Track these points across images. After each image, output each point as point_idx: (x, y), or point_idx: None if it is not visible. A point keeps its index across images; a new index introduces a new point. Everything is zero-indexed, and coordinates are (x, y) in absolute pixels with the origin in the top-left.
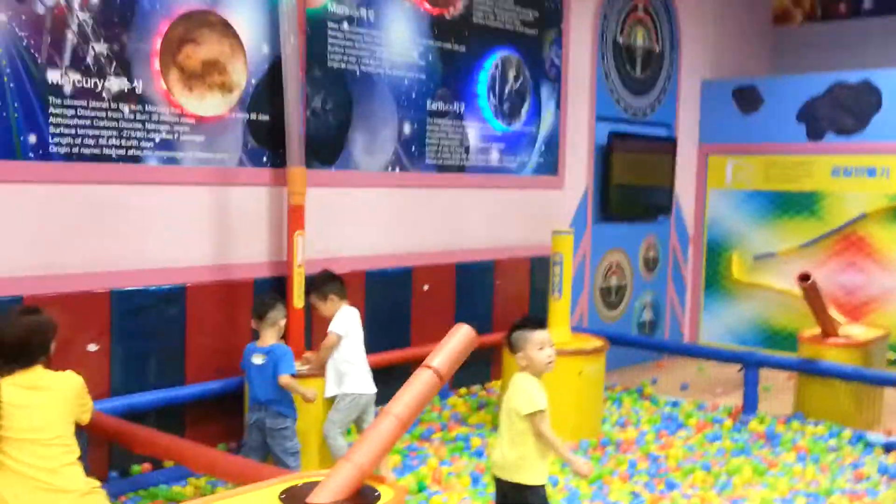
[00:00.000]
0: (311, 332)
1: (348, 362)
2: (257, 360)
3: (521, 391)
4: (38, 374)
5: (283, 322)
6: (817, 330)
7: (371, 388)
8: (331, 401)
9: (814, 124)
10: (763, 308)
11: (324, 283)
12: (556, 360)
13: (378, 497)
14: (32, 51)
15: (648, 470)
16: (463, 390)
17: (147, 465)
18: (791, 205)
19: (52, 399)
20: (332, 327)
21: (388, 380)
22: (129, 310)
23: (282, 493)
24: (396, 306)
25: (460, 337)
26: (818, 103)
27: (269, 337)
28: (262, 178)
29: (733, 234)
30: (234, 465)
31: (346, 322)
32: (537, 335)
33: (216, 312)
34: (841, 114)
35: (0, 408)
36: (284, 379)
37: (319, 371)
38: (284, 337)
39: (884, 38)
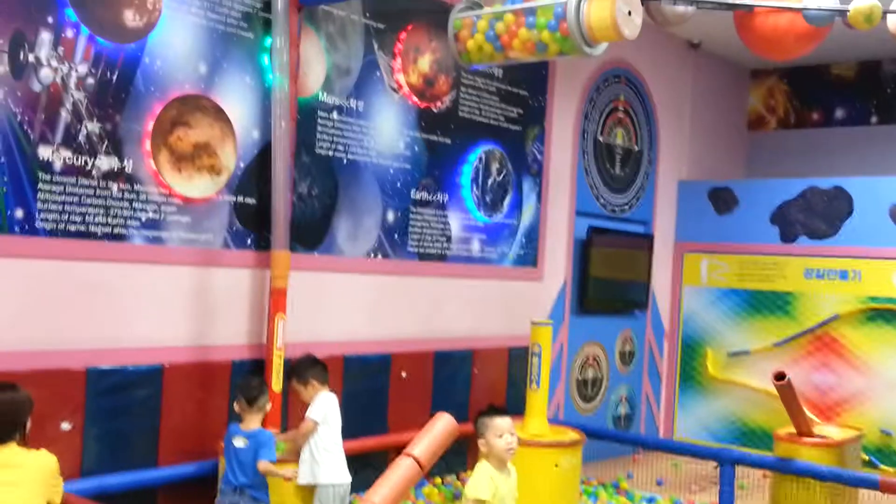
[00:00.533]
0: (288, 417)
1: (326, 450)
2: (239, 443)
3: (474, 477)
4: (12, 452)
5: (268, 408)
6: (792, 429)
7: (347, 478)
8: (302, 488)
9: (787, 227)
10: (737, 405)
11: (305, 368)
12: (534, 451)
13: None
14: (26, 127)
15: None
16: (438, 479)
17: None
18: (765, 304)
19: (25, 478)
20: (310, 413)
21: (365, 466)
22: (104, 388)
23: None
24: (374, 392)
25: (441, 426)
26: (791, 207)
27: (254, 421)
28: (246, 261)
29: (708, 331)
30: None
31: (324, 408)
32: (497, 422)
33: (193, 393)
34: (813, 218)
35: None
36: (264, 465)
37: (293, 457)
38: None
39: (854, 147)
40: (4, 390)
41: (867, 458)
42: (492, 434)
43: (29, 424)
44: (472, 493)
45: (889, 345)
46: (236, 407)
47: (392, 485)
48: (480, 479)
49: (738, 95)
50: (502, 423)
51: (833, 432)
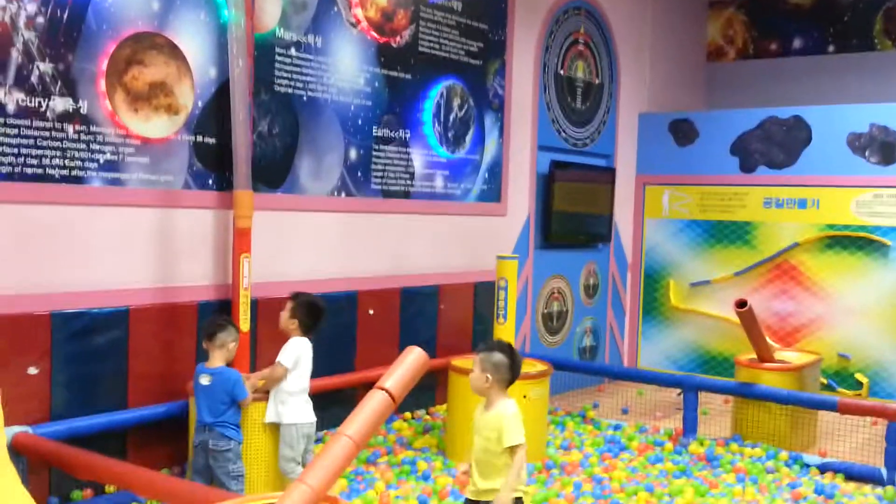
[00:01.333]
0: (256, 356)
1: (289, 393)
2: (204, 380)
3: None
4: None
5: (232, 345)
6: (753, 355)
7: (311, 417)
8: (270, 426)
9: (746, 157)
10: (700, 334)
11: (307, 308)
12: None
13: None
14: None
15: (593, 492)
16: (408, 414)
17: (89, 491)
18: (725, 234)
19: None
20: (281, 359)
21: (333, 403)
22: (70, 332)
23: None
24: (342, 330)
25: (412, 359)
26: (750, 137)
27: (217, 359)
28: (208, 201)
29: (670, 262)
30: (180, 488)
31: (296, 354)
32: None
33: (159, 335)
34: (772, 148)
35: None
36: (246, 403)
37: (262, 396)
38: (232, 363)
39: (813, 76)
40: None
41: (826, 381)
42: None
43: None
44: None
45: (847, 271)
46: (204, 344)
47: (365, 418)
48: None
49: (696, 27)
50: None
51: (793, 357)
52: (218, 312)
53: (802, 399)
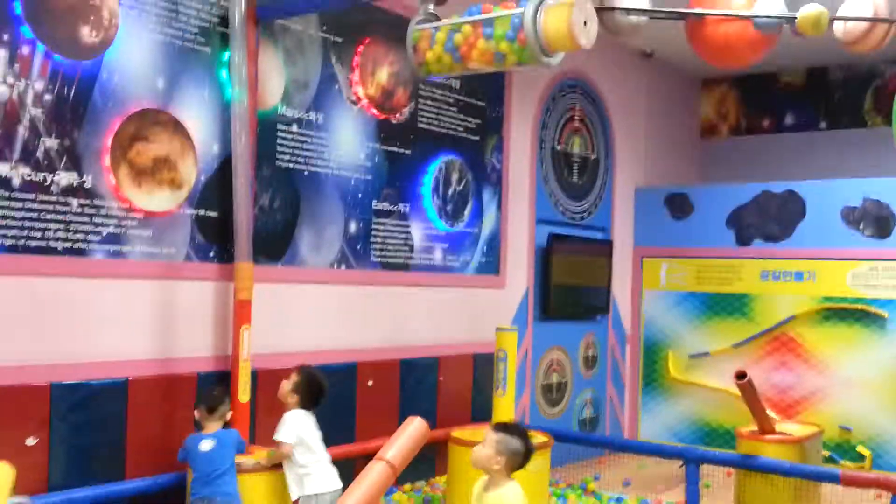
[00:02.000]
0: (255, 427)
1: (303, 466)
2: (206, 445)
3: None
4: None
5: (229, 416)
6: (754, 427)
7: (334, 484)
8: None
9: (742, 230)
10: (699, 406)
11: (311, 386)
12: None
13: None
14: None
15: None
16: (407, 486)
17: None
18: (723, 306)
19: None
20: (281, 436)
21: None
22: (69, 403)
23: None
24: (341, 401)
25: (413, 429)
26: (745, 211)
27: (215, 426)
28: (209, 273)
29: (669, 334)
30: None
31: (295, 428)
32: None
33: (158, 406)
34: (767, 221)
35: None
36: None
37: (265, 470)
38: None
39: (805, 151)
40: None
41: (828, 454)
42: None
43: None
44: None
45: (845, 343)
46: (197, 415)
47: (366, 488)
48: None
49: (690, 104)
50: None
51: (794, 429)
52: (214, 384)
53: (805, 471)
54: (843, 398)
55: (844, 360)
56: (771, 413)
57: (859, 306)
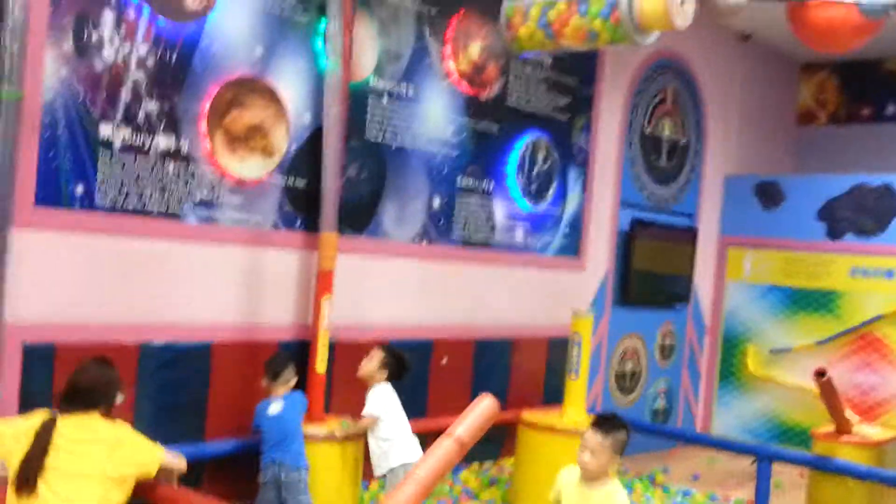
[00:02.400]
0: (331, 397)
1: (388, 440)
2: (274, 409)
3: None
4: (93, 420)
5: (293, 382)
6: (831, 427)
7: (419, 455)
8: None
9: (834, 224)
10: (777, 403)
11: (399, 362)
12: (571, 439)
13: None
14: (88, 105)
15: None
16: (475, 465)
17: None
18: (808, 302)
19: (104, 446)
20: (368, 410)
21: None
22: (156, 364)
23: None
24: (415, 377)
25: (483, 408)
26: (839, 203)
27: (282, 390)
28: (295, 242)
29: (750, 327)
30: None
31: (381, 402)
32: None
33: (240, 371)
34: (861, 215)
35: (52, 440)
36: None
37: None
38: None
39: None
40: (103, 364)
41: None
42: None
43: (119, 400)
44: None
45: None
46: (263, 383)
47: (435, 462)
48: None
49: (788, 89)
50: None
51: (873, 432)
52: (295, 352)
53: (882, 476)
54: None
55: None
56: (850, 414)
57: None
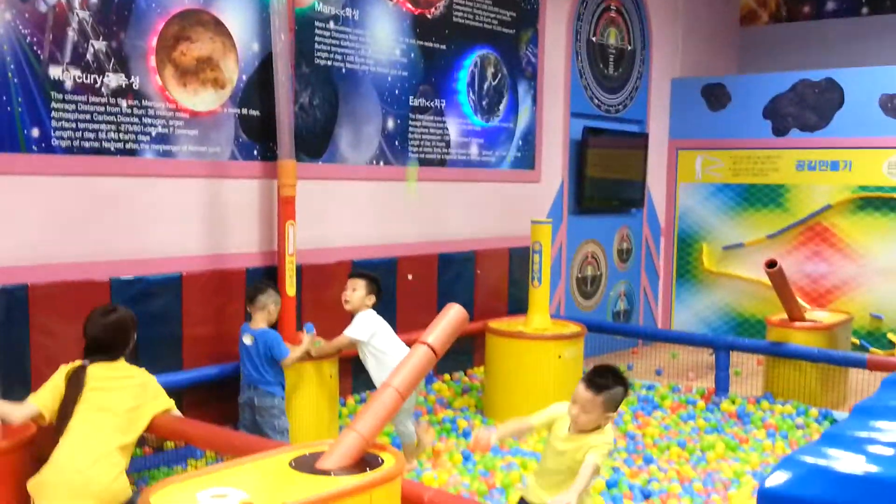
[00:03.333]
0: (302, 319)
1: (385, 353)
2: (247, 339)
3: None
4: (122, 366)
5: (272, 307)
6: (784, 315)
7: None
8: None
9: (779, 121)
10: (732, 297)
11: (378, 284)
12: (538, 344)
13: (381, 463)
14: (35, 47)
15: (627, 447)
16: (447, 376)
17: (147, 450)
18: (758, 197)
19: (130, 387)
20: (351, 332)
21: None
22: (128, 298)
23: (291, 461)
24: (382, 294)
25: (452, 316)
26: (783, 100)
27: (260, 321)
28: (253, 171)
29: (703, 226)
30: (238, 440)
31: (368, 326)
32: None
33: (210, 300)
34: (805, 111)
35: (86, 382)
36: (287, 362)
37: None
38: (276, 325)
39: (845, 38)
40: (108, 313)
41: (858, 342)
42: None
43: (133, 339)
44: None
45: (879, 232)
46: (247, 307)
47: (409, 370)
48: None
49: None
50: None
51: (823, 317)
52: (263, 278)
53: (832, 357)
54: (875, 287)
55: (878, 250)
56: (802, 302)
57: (894, 195)
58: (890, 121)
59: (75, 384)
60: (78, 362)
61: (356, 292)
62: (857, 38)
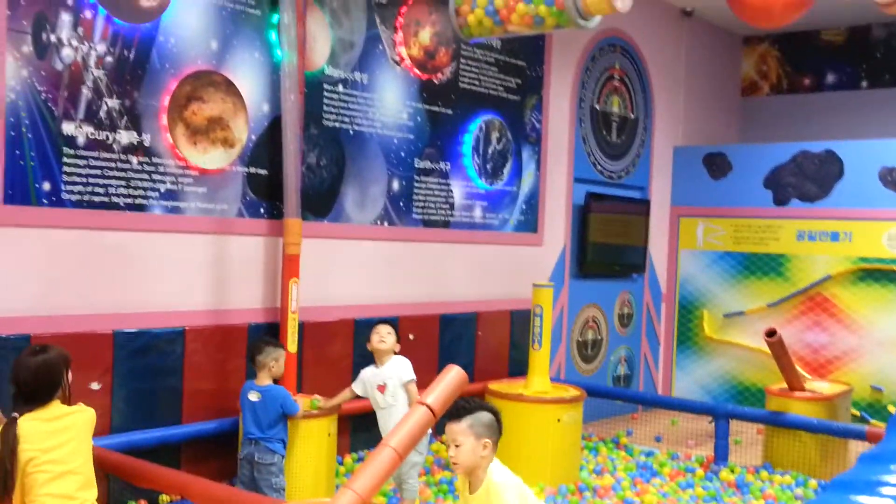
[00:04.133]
0: (302, 375)
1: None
2: (253, 396)
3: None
4: (57, 409)
5: (273, 364)
6: (784, 384)
7: None
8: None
9: (779, 190)
10: (733, 365)
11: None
12: (537, 407)
13: None
14: (50, 104)
15: None
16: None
17: (143, 502)
18: (759, 266)
19: (71, 432)
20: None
21: (374, 425)
22: (130, 350)
23: None
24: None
25: (452, 377)
26: (783, 171)
27: (264, 377)
28: (259, 229)
29: (704, 293)
30: (235, 496)
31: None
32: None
33: (212, 355)
34: (805, 181)
35: (18, 444)
36: (298, 416)
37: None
38: (280, 379)
39: (845, 111)
40: (36, 354)
41: (858, 413)
42: None
43: (69, 379)
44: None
45: (879, 304)
46: (253, 364)
47: (408, 430)
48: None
49: (731, 62)
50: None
51: (823, 387)
52: (265, 334)
53: (832, 428)
54: (875, 358)
55: (878, 321)
56: (802, 372)
57: (894, 267)
58: (889, 193)
59: (5, 442)
60: (4, 418)
61: (391, 335)
62: (856, 111)
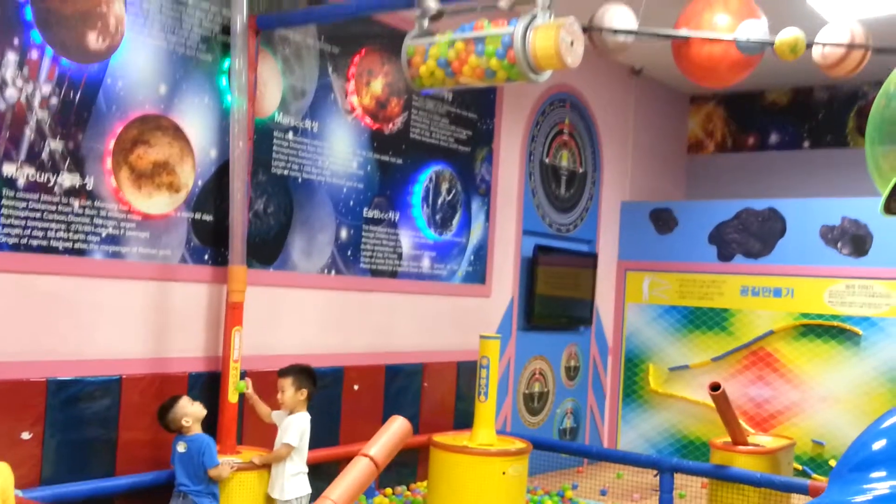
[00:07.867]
0: (243, 427)
1: (301, 471)
2: (180, 447)
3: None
4: None
5: (187, 418)
6: (728, 438)
7: (308, 489)
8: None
9: (724, 247)
10: (677, 418)
11: (309, 377)
12: (482, 460)
13: None
14: None
15: None
16: (388, 490)
17: None
18: (703, 320)
19: None
20: (288, 439)
21: (317, 477)
22: (64, 399)
23: None
24: (327, 404)
25: (396, 428)
26: (728, 227)
27: (193, 429)
28: (203, 276)
29: (650, 346)
30: None
31: (301, 430)
32: None
33: (150, 404)
34: (748, 238)
35: None
36: (213, 472)
37: (256, 468)
38: (214, 428)
39: (788, 170)
40: None
41: (801, 467)
42: None
43: None
44: None
45: (821, 359)
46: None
47: (349, 483)
48: None
49: (678, 120)
50: None
51: (766, 441)
52: (206, 382)
53: (775, 482)
54: (817, 413)
55: (820, 376)
56: (745, 426)
57: (835, 323)
58: (830, 251)
59: None
60: None
61: (286, 393)
62: (798, 170)
